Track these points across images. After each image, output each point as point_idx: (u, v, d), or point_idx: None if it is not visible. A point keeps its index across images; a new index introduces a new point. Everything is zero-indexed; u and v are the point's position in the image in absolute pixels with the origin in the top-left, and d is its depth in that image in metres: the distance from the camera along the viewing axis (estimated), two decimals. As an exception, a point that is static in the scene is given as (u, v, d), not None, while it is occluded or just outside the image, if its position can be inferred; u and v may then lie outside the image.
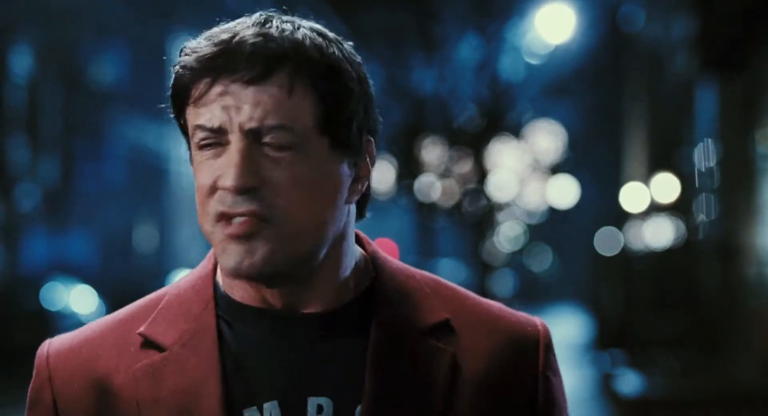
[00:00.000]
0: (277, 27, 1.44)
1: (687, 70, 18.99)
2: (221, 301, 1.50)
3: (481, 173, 20.54)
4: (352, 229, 1.53)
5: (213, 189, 1.43)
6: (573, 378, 16.03)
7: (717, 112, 16.15)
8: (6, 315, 19.54)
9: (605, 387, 14.47)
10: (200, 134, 1.44)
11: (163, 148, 37.12)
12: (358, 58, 1.52)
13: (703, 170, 18.09)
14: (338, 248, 1.49)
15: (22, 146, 26.72)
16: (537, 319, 1.57)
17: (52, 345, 1.53)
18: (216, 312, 1.49)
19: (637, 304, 17.22)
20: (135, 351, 1.48)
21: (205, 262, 1.56)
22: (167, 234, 37.50)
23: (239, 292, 1.48)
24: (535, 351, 1.53)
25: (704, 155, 17.93)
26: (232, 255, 1.42)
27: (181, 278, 1.56)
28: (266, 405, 1.44)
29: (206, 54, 1.43)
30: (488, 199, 20.94)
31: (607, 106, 30.51)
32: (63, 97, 29.02)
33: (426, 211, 21.78)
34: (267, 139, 1.42)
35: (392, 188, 21.24)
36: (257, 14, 1.47)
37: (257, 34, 1.42)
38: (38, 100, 27.91)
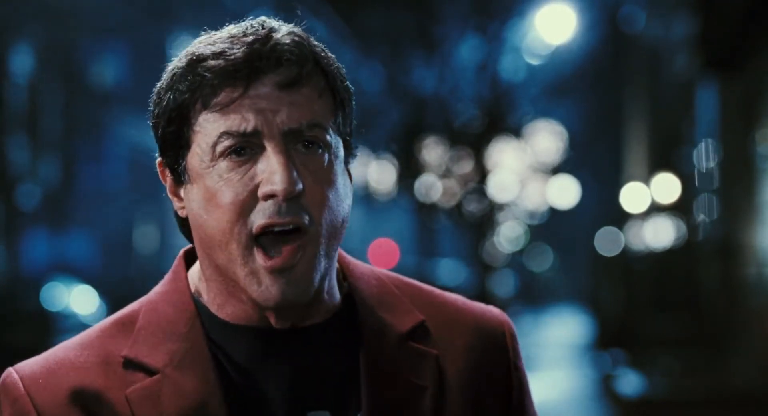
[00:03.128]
0: (291, 32, 1.43)
1: (687, 71, 18.99)
2: (207, 319, 1.46)
3: (481, 173, 20.53)
4: None
5: (250, 202, 1.38)
6: (573, 378, 16.02)
7: (717, 112, 16.15)
8: (6, 315, 19.53)
9: (606, 387, 14.47)
10: (227, 141, 1.38)
11: (163, 148, 37.11)
12: None
13: (704, 170, 18.10)
14: (334, 261, 1.48)
15: (23, 146, 26.72)
16: (496, 309, 1.59)
17: (20, 371, 1.45)
18: (204, 331, 1.45)
19: (638, 304, 17.21)
20: (121, 372, 1.43)
21: (175, 275, 1.51)
22: (167, 234, 37.50)
23: (231, 310, 1.44)
24: (503, 343, 1.55)
25: (704, 155, 17.93)
26: (272, 288, 1.38)
27: (152, 292, 1.51)
28: None
29: (239, 57, 1.39)
30: (489, 199, 20.94)
31: (607, 106, 30.49)
32: (63, 98, 29.02)
33: (426, 211, 21.78)
34: (303, 138, 1.40)
35: (393, 188, 21.25)
36: (261, 18, 1.45)
37: (289, 38, 1.41)
38: (39, 100, 27.91)
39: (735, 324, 13.96)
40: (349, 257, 1.55)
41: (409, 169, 20.61)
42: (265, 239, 1.38)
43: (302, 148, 1.40)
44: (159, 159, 1.48)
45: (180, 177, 1.45)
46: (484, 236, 21.56)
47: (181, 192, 1.46)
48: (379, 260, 31.37)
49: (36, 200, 27.98)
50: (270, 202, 1.37)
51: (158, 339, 1.44)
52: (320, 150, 1.41)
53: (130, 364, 1.43)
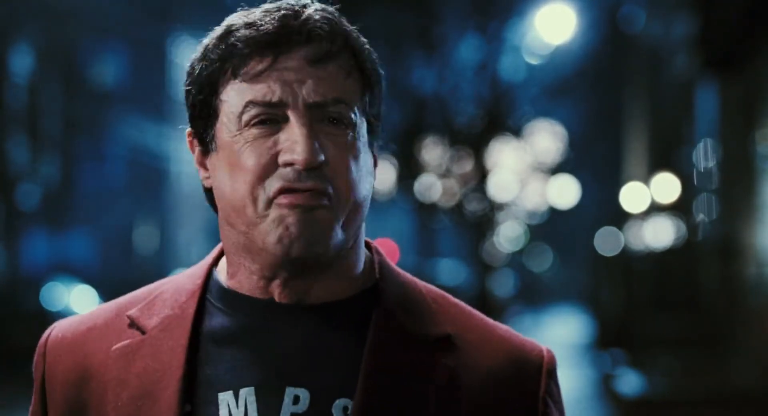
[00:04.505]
0: (323, 8, 1.46)
1: (687, 71, 18.99)
2: (215, 288, 1.51)
3: (481, 173, 20.54)
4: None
5: (270, 168, 1.42)
6: (573, 378, 16.02)
7: (717, 112, 16.15)
8: (6, 315, 19.53)
9: (605, 387, 14.47)
10: (253, 110, 1.42)
11: (163, 148, 37.12)
12: None
13: (703, 170, 18.10)
14: (355, 243, 1.49)
15: (23, 146, 26.71)
16: (544, 347, 1.54)
17: (56, 326, 1.56)
18: (202, 301, 1.50)
19: (638, 304, 17.21)
20: (121, 331, 1.50)
21: (207, 257, 1.57)
22: (168, 234, 37.49)
23: (240, 279, 1.48)
24: (537, 375, 1.50)
25: (704, 155, 17.94)
26: (291, 225, 1.40)
27: (188, 268, 1.58)
28: (242, 391, 1.44)
29: (269, 28, 1.43)
30: (488, 199, 20.94)
31: (607, 106, 30.50)
32: (63, 98, 29.01)
33: (426, 211, 21.79)
34: (328, 114, 1.43)
35: (392, 188, 21.24)
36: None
37: (320, 15, 1.44)
38: (39, 100, 27.90)
39: (735, 323, 13.96)
40: (391, 263, 1.55)
41: (409, 169, 20.61)
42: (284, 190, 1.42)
43: (326, 123, 1.43)
44: (188, 130, 1.52)
45: (207, 147, 1.48)
46: (483, 236, 21.56)
47: (208, 162, 1.50)
48: (379, 260, 31.28)
49: (36, 199, 27.96)
50: (290, 168, 1.41)
51: (161, 306, 1.51)
52: (343, 127, 1.44)
53: (132, 324, 1.51)
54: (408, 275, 1.56)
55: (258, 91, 1.42)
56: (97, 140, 33.02)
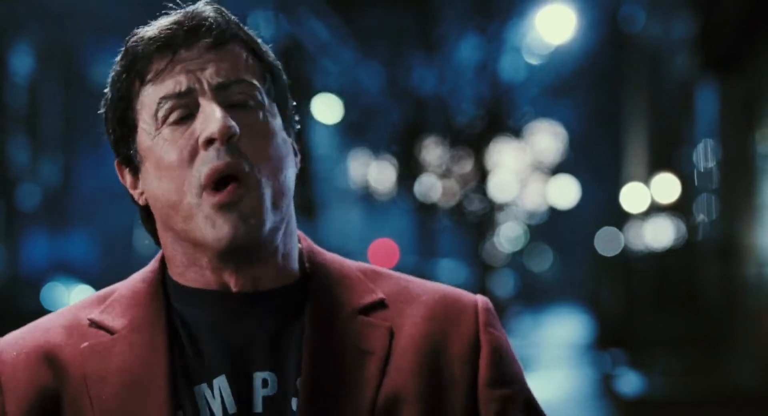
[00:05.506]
0: (211, 2, 1.54)
1: (687, 71, 19.00)
2: (172, 288, 1.54)
3: (481, 174, 20.54)
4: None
5: (193, 154, 1.46)
6: (573, 378, 16.03)
7: (717, 112, 16.15)
8: (6, 315, 19.52)
9: (605, 387, 14.47)
10: (167, 104, 1.48)
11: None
12: None
13: (703, 171, 18.10)
14: (289, 227, 1.54)
15: (23, 146, 26.72)
16: (468, 292, 1.60)
17: (4, 338, 1.57)
18: (166, 299, 1.54)
19: (638, 304, 17.22)
20: (84, 332, 1.53)
21: (154, 260, 1.60)
22: (167, 234, 37.50)
23: (192, 276, 1.52)
24: (473, 310, 1.55)
25: (704, 156, 17.94)
26: (224, 225, 1.45)
27: (135, 273, 1.61)
28: (215, 381, 1.48)
29: (164, 29, 1.50)
30: (489, 199, 20.95)
31: (607, 106, 30.50)
32: (64, 98, 29.02)
33: (426, 211, 21.79)
34: (234, 96, 1.48)
35: (392, 188, 21.25)
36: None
37: (210, 7, 1.52)
38: (39, 100, 27.91)
39: (735, 324, 13.96)
40: (317, 247, 1.61)
41: (409, 169, 20.62)
42: (211, 185, 1.46)
43: (236, 108, 1.48)
44: (116, 161, 1.58)
45: (134, 163, 1.54)
46: (484, 236, 21.58)
47: (139, 181, 1.55)
48: (379, 260, 31.35)
49: (36, 200, 27.97)
50: (211, 149, 1.45)
51: (124, 308, 1.54)
52: (252, 107, 1.49)
53: (93, 325, 1.53)
54: (335, 255, 1.61)
55: (167, 86, 1.48)
56: (98, 140, 32.89)
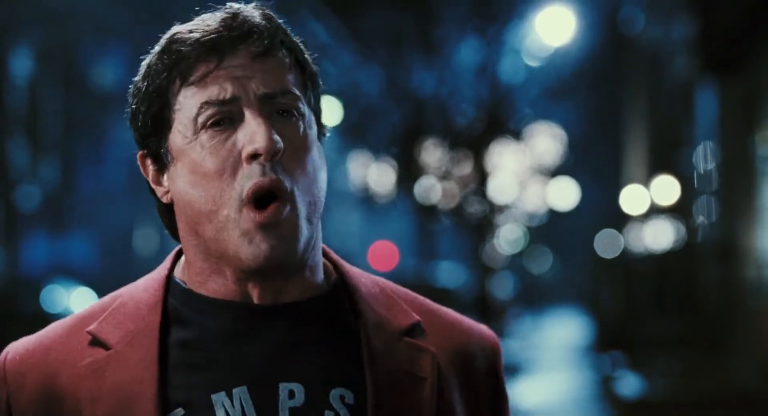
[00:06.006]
0: (259, 6, 1.52)
1: (687, 72, 19.00)
2: (183, 299, 1.51)
3: (481, 176, 20.54)
4: None
5: (235, 167, 1.44)
6: (573, 380, 16.03)
7: (717, 114, 16.16)
8: (6, 317, 19.52)
9: (605, 389, 14.47)
10: (209, 110, 1.46)
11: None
12: None
13: (703, 172, 18.10)
14: (318, 240, 1.53)
15: (23, 148, 26.72)
16: (485, 326, 1.65)
17: (11, 347, 1.55)
18: (165, 311, 1.51)
19: (637, 306, 17.22)
20: (83, 348, 1.50)
21: (163, 264, 1.58)
22: (167, 237, 37.43)
23: (212, 286, 1.50)
24: (493, 353, 1.60)
25: (704, 157, 17.94)
26: (262, 244, 1.44)
27: (140, 279, 1.58)
28: (235, 391, 1.46)
29: (211, 31, 1.47)
30: (488, 201, 20.94)
31: (607, 108, 30.50)
32: (63, 99, 29.02)
33: (426, 213, 21.78)
34: (278, 106, 1.47)
35: (392, 190, 21.25)
36: (231, 3, 1.52)
37: (258, 12, 1.50)
38: (39, 102, 27.91)
39: (734, 325, 13.96)
40: (342, 260, 1.60)
41: (409, 171, 20.62)
42: (253, 202, 1.45)
43: (277, 116, 1.47)
44: (140, 153, 1.56)
45: (162, 162, 1.51)
46: (483, 239, 21.57)
47: (164, 179, 1.52)
48: (378, 262, 31.35)
49: (36, 202, 27.96)
50: (255, 164, 1.44)
51: (122, 319, 1.51)
52: (294, 118, 1.48)
53: (92, 340, 1.51)
54: (359, 270, 1.61)
55: (210, 91, 1.45)
56: (98, 142, 33.02)
